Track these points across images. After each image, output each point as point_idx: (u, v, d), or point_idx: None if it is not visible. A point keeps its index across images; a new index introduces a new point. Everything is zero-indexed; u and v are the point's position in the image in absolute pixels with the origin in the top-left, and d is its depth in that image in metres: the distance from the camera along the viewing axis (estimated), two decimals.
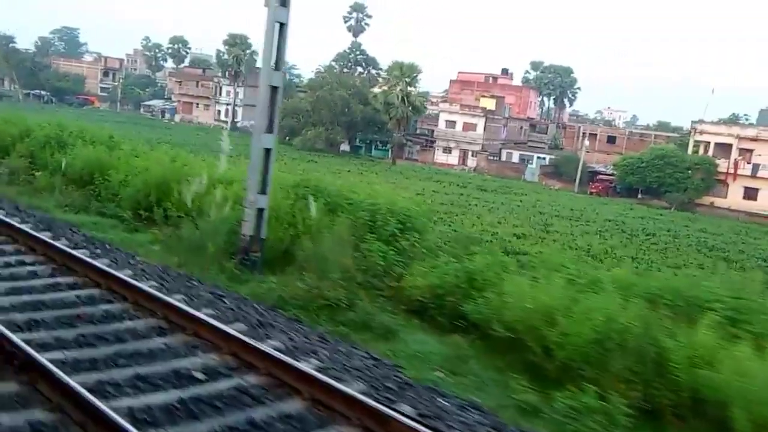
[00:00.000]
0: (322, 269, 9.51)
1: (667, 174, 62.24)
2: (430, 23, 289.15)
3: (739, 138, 63.20)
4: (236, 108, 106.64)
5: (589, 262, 28.31)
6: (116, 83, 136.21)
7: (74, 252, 9.43)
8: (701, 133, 65.61)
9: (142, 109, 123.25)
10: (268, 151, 10.21)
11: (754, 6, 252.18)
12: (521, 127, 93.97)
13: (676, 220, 51.18)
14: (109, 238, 11.40)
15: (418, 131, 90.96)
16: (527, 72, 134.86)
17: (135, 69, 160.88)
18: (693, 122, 68.11)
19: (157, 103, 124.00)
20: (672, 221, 50.21)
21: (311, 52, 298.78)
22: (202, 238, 10.60)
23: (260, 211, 10.22)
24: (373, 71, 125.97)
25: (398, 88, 72.96)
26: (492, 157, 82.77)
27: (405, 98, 72.41)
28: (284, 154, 69.96)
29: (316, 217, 10.99)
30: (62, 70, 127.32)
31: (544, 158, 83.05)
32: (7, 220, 10.93)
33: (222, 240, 10.46)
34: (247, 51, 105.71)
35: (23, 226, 10.67)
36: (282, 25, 9.88)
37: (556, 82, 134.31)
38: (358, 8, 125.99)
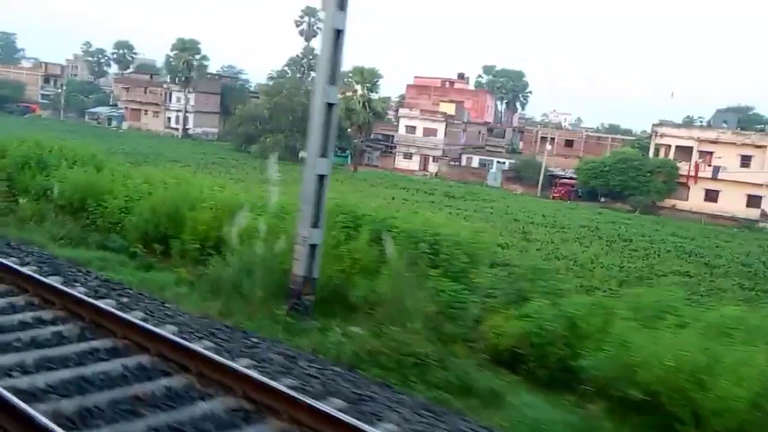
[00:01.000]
0: (396, 316, 8.21)
1: (630, 177, 62.51)
2: (381, 27, 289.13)
3: (699, 141, 63.93)
4: (187, 115, 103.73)
5: (579, 272, 27.86)
6: (58, 90, 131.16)
7: (100, 304, 7.89)
8: (662, 136, 66.13)
9: (86, 117, 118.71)
10: (321, 177, 8.85)
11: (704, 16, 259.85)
12: (479, 132, 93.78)
13: (645, 225, 51.24)
14: (127, 280, 9.84)
15: (372, 136, 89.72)
16: (480, 76, 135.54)
17: (75, 75, 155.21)
18: (654, 125, 68.67)
19: (102, 110, 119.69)
20: (642, 225, 50.24)
21: (259, 57, 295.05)
22: (241, 279, 9.17)
23: (312, 247, 8.85)
24: None
25: (359, 94, 71.72)
26: (453, 163, 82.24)
27: (366, 104, 71.19)
28: (243, 162, 67.92)
29: (367, 251, 9.67)
30: (1, 76, 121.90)
31: (504, 163, 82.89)
32: (6, 262, 9.28)
33: (268, 281, 9.04)
34: (197, 56, 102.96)
35: (26, 270, 9.04)
36: (339, 33, 8.55)
37: (508, 86, 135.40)
38: (310, 12, 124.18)
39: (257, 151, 75.93)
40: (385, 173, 75.78)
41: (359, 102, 71.27)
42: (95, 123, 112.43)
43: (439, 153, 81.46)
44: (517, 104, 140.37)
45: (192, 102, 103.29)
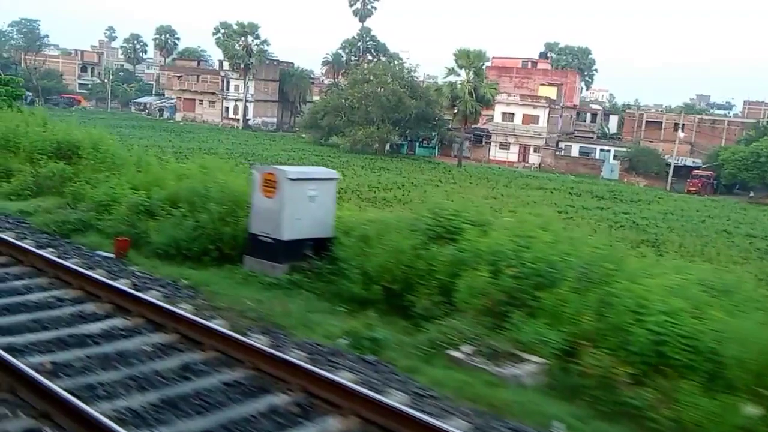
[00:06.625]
0: None
1: None
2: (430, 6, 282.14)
3: None
4: (247, 104, 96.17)
5: None
6: (96, 79, 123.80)
7: None
8: None
9: (133, 108, 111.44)
10: None
11: None
12: (571, 117, 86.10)
13: None
14: None
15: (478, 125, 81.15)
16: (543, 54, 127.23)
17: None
18: None
19: (150, 100, 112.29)
20: None
21: (284, 37, 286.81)
22: None
23: None
24: (383, 58, 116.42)
25: (464, 80, 64.12)
26: (556, 152, 74.63)
27: (473, 90, 63.49)
28: (346, 161, 59.49)
29: None
30: (32, 65, 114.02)
31: (609, 151, 75.38)
32: None
33: None
34: (257, 41, 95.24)
35: None
36: None
37: (574, 65, 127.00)
38: None
39: (347, 144, 68.43)
40: (489, 167, 68.07)
41: (465, 89, 63.58)
42: (145, 114, 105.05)
43: (541, 142, 73.70)
44: (583, 83, 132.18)
45: (251, 90, 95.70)
